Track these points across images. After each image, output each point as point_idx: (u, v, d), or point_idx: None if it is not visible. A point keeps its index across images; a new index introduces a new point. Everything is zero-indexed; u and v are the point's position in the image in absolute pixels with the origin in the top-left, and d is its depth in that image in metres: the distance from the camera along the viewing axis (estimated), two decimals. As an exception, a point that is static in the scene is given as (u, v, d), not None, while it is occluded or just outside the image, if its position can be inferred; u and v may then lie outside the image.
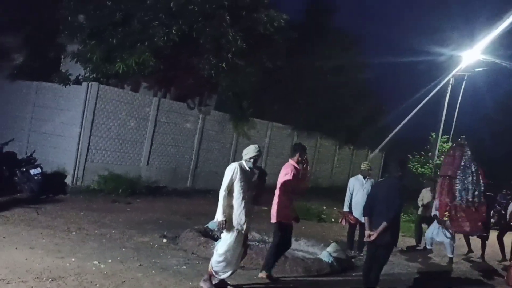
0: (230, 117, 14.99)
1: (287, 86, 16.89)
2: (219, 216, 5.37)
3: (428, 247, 9.85)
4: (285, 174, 6.50)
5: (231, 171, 5.46)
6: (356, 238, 9.02)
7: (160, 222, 9.15)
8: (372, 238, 5.87)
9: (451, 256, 9.29)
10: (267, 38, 13.71)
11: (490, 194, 11.14)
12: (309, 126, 18.45)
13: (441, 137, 18.84)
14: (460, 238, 10.26)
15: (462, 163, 8.68)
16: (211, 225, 7.94)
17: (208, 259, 5.78)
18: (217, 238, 6.68)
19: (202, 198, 12.73)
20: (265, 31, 13.41)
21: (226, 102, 15.04)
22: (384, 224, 5.77)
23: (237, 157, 15.16)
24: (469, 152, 8.83)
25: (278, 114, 17.39)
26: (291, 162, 6.65)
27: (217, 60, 12.39)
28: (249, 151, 5.65)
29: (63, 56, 12.74)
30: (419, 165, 19.15)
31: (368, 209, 6.19)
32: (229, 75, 13.01)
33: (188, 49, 12.30)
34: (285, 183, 6.47)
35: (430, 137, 19.84)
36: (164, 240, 7.69)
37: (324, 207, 13.83)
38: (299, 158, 6.64)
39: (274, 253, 6.43)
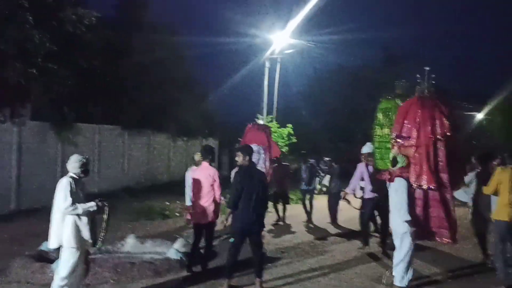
0: (51, 126, 13.78)
1: (109, 85, 16.18)
2: (58, 239, 5.03)
3: None
4: (215, 176, 7.03)
5: (65, 186, 5.08)
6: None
7: (-16, 255, 8.07)
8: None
9: None
10: (79, 37, 12.96)
11: (286, 164, 12.83)
12: (139, 123, 18.02)
13: (266, 117, 20.06)
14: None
15: None
16: (45, 246, 7.29)
17: (48, 285, 5.31)
18: (54, 260, 6.18)
19: (32, 218, 11.53)
20: (75, 31, 12.65)
21: (44, 110, 13.80)
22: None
23: (64, 167, 14.13)
24: None
25: (105, 115, 16.61)
26: (207, 164, 7.15)
27: (25, 65, 11.29)
28: (73, 163, 5.31)
29: None
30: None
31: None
32: (42, 80, 11.96)
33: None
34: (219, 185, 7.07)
35: (255, 119, 20.97)
36: (-9, 275, 6.82)
37: (167, 203, 13.75)
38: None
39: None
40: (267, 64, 19.60)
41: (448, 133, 5.79)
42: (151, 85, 18.05)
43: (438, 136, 5.82)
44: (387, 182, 6.22)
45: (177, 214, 12.38)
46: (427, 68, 6.16)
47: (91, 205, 5.14)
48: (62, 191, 5.07)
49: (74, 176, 5.26)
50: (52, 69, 12.05)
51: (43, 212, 11.33)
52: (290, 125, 19.68)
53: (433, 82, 6.11)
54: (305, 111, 30.08)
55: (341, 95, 29.19)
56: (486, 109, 27.43)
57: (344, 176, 11.45)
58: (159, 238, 9.02)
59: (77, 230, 5.11)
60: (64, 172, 14.18)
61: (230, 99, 27.16)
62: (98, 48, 14.13)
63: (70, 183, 5.12)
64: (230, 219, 6.45)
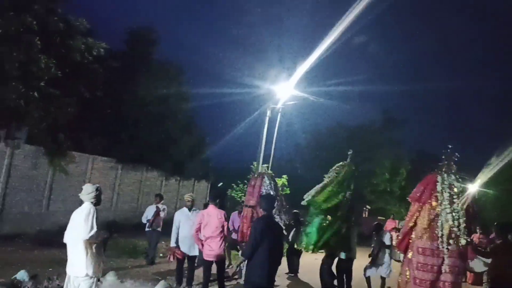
0: (45, 151, 13.57)
1: (109, 117, 16.10)
2: (88, 270, 5.00)
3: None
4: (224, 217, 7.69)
5: (92, 215, 5.08)
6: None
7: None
8: None
9: None
10: (85, 66, 12.98)
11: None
12: (134, 158, 17.82)
13: (262, 166, 19.84)
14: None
15: (262, 191, 9.21)
16: (20, 275, 6.94)
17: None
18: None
19: (9, 245, 11.12)
20: (83, 59, 12.69)
21: (40, 134, 13.61)
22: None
23: (53, 194, 13.82)
24: (267, 181, 9.47)
25: (100, 147, 16.44)
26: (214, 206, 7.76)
27: (27, 88, 11.22)
28: (90, 193, 5.30)
29: None
30: (243, 194, 19.88)
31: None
32: (42, 105, 11.87)
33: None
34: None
35: (251, 165, 20.80)
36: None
37: (152, 242, 13.31)
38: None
39: None
40: (268, 113, 19.64)
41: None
42: (151, 122, 18.00)
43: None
44: None
45: (161, 255, 11.96)
46: (450, 146, 6.02)
47: (105, 233, 5.29)
48: (89, 220, 5.03)
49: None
50: (54, 94, 11.99)
51: (24, 239, 11.01)
52: (285, 176, 19.50)
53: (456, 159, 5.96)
54: (299, 163, 29.95)
55: (336, 152, 29.24)
56: (479, 181, 27.43)
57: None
58: (140, 278, 8.63)
59: (97, 259, 5.11)
60: (51, 200, 13.83)
61: (227, 145, 27.06)
62: (102, 79, 14.12)
63: (96, 212, 5.13)
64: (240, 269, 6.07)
